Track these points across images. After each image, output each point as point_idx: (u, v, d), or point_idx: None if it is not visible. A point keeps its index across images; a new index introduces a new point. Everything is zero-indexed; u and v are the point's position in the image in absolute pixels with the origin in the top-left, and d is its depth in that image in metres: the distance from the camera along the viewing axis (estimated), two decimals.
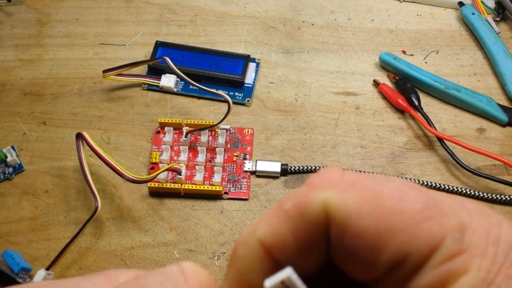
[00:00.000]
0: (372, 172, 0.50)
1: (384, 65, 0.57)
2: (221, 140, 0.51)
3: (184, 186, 0.48)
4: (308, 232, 0.16)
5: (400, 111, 0.54)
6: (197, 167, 0.50)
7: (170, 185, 0.48)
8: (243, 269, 0.16)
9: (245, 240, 0.16)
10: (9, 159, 0.50)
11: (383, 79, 0.56)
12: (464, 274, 0.14)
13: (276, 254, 0.16)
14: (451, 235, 0.15)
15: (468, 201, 0.16)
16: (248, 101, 0.55)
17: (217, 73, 0.55)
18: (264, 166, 0.50)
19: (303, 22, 0.60)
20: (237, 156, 0.51)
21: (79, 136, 0.46)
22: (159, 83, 0.55)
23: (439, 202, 0.15)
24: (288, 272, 0.15)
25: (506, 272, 0.14)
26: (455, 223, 0.15)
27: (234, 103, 0.53)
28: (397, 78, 0.55)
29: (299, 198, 0.16)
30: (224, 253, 0.47)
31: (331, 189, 0.15)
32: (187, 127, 0.51)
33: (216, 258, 0.46)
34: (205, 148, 0.51)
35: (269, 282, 0.15)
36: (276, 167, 0.50)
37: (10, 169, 0.50)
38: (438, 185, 0.49)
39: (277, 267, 0.16)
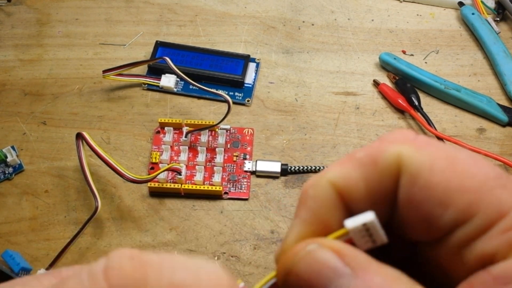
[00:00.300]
0: None
1: (384, 65, 0.57)
2: (221, 140, 0.51)
3: (184, 186, 0.48)
4: (380, 181, 0.16)
5: (400, 111, 0.54)
6: (197, 167, 0.50)
7: (170, 185, 0.48)
8: (315, 208, 0.16)
9: (315, 182, 0.16)
10: (9, 159, 0.50)
11: (383, 79, 0.56)
12: None
13: (346, 197, 0.16)
14: None
15: None
16: (248, 101, 0.55)
17: (217, 73, 0.55)
18: (264, 166, 0.50)
19: (303, 22, 0.60)
20: (237, 156, 0.51)
21: (79, 136, 0.46)
22: (159, 83, 0.55)
23: (510, 177, 0.15)
24: (371, 217, 0.15)
25: None
26: None
27: (234, 103, 0.53)
28: (397, 78, 0.55)
29: (373, 149, 0.16)
30: (224, 253, 0.47)
31: (405, 144, 0.16)
32: (187, 127, 0.51)
33: (216, 258, 0.46)
34: (205, 148, 0.51)
35: (351, 223, 0.15)
36: (276, 167, 0.50)
37: (10, 169, 0.50)
38: None
39: (348, 210, 0.16)
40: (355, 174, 0.16)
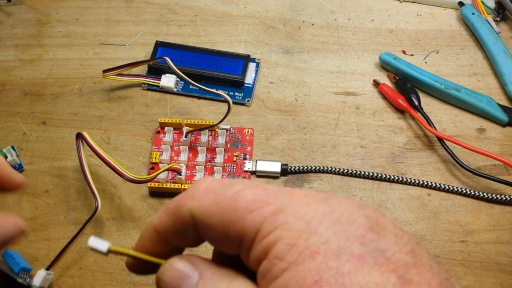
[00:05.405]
0: (372, 173, 0.50)
1: (384, 65, 0.57)
2: (221, 140, 0.51)
3: (184, 186, 0.48)
4: (181, 224, 0.22)
5: (400, 111, 0.54)
6: (197, 167, 0.50)
7: (170, 185, 0.48)
8: (142, 242, 0.24)
9: (146, 225, 0.24)
10: (9, 159, 0.50)
11: (383, 79, 0.56)
12: (276, 243, 0.20)
13: (162, 235, 0.23)
14: (267, 219, 0.20)
15: (299, 189, 0.22)
16: (248, 101, 0.55)
17: (217, 73, 0.55)
18: (264, 166, 0.50)
19: (303, 22, 0.60)
20: (237, 156, 0.51)
21: (79, 136, 0.46)
22: (159, 83, 0.55)
23: (267, 195, 0.21)
24: (92, 241, 0.22)
25: (304, 236, 0.20)
26: (272, 210, 0.21)
27: (234, 103, 0.53)
28: (397, 78, 0.55)
29: (177, 203, 0.23)
30: None
31: (195, 199, 0.22)
32: (187, 127, 0.51)
33: None
34: (205, 148, 0.51)
35: (90, 242, 0.22)
36: (276, 167, 0.50)
37: None
38: (438, 185, 0.49)
39: (166, 243, 0.23)
40: (167, 220, 0.23)
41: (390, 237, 0.20)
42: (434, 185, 0.49)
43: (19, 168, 0.50)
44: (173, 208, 0.23)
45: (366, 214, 0.20)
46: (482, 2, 0.60)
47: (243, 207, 0.21)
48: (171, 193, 0.49)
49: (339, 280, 0.18)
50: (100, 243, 0.22)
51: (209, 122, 0.51)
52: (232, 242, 0.21)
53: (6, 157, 0.50)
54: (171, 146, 0.51)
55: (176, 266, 0.22)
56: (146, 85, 0.55)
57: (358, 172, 0.50)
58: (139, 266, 0.25)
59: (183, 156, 0.50)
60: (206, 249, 0.47)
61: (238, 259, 0.22)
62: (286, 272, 0.19)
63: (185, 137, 0.51)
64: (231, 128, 0.52)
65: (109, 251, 0.22)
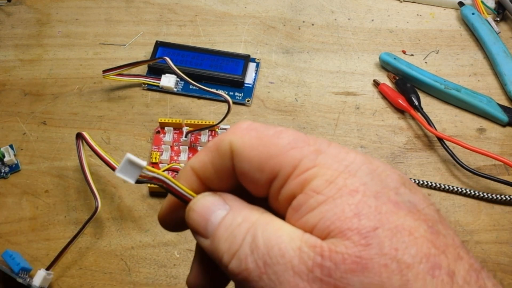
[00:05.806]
0: None
1: (384, 65, 0.57)
2: None
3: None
4: (221, 161, 0.23)
5: (400, 111, 0.54)
6: None
7: None
8: (181, 181, 0.24)
9: (184, 166, 0.25)
10: (6, 158, 0.50)
11: (383, 79, 0.56)
12: (314, 178, 0.21)
13: (201, 175, 0.24)
14: (307, 157, 0.21)
15: (335, 142, 0.22)
16: (248, 101, 0.55)
17: (217, 73, 0.55)
18: None
19: (303, 22, 0.60)
20: None
21: (79, 136, 0.46)
22: (159, 83, 0.55)
23: (308, 139, 0.22)
24: (129, 156, 0.23)
25: (343, 176, 0.20)
26: (312, 149, 0.21)
27: (234, 103, 0.53)
28: (397, 78, 0.55)
29: (217, 139, 0.23)
30: None
31: (236, 134, 0.22)
32: (187, 127, 0.51)
33: None
34: None
35: (130, 157, 0.23)
36: None
37: (6, 168, 0.50)
38: (438, 185, 0.49)
39: (204, 183, 0.24)
40: (205, 159, 0.23)
41: (419, 195, 0.21)
42: (434, 185, 0.49)
43: (15, 168, 0.50)
44: (213, 144, 0.23)
45: (398, 173, 0.22)
46: (482, 2, 0.60)
47: (285, 143, 0.22)
48: None
49: (377, 217, 0.19)
50: (138, 159, 0.22)
51: (209, 122, 0.51)
52: (265, 178, 0.22)
53: (3, 156, 0.50)
54: (171, 146, 0.51)
55: (208, 198, 0.23)
56: (146, 85, 0.55)
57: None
58: (171, 219, 0.26)
59: (183, 156, 0.50)
60: None
61: (261, 205, 0.23)
62: (324, 205, 0.20)
63: (185, 137, 0.51)
64: None
65: (146, 169, 0.22)
